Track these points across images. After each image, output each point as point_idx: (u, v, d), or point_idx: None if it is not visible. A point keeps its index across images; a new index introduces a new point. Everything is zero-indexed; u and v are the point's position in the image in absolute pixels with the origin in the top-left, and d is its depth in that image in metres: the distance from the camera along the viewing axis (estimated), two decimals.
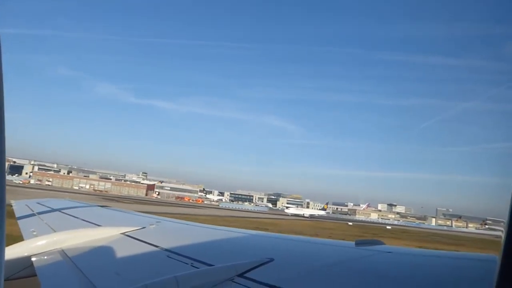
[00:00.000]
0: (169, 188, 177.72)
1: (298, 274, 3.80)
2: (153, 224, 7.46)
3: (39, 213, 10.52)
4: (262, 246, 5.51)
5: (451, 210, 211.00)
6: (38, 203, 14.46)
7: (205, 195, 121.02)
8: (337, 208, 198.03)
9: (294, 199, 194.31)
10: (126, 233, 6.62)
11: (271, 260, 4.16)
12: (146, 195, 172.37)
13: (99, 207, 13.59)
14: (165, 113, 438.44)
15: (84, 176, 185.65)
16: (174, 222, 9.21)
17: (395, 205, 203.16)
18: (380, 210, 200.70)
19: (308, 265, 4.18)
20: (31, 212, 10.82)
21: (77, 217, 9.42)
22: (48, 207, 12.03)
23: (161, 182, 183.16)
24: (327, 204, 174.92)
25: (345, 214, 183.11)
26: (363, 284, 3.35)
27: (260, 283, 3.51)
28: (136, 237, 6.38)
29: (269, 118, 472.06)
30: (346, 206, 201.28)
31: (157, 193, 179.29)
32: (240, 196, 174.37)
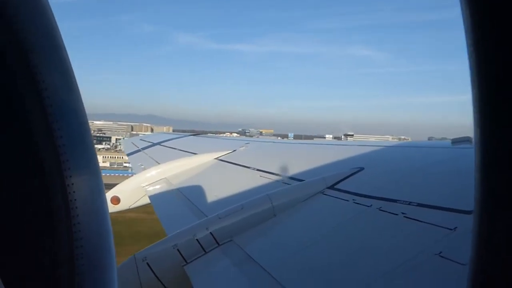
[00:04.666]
0: None
1: (390, 181, 3.61)
2: (242, 146, 8.14)
3: (143, 148, 11.04)
4: (352, 156, 5.22)
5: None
6: (140, 139, 14.68)
7: None
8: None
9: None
10: (219, 158, 7.25)
11: (361, 169, 4.05)
12: None
13: (192, 136, 13.95)
14: (244, 56, 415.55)
15: None
16: (262, 141, 9.83)
17: (352, 135, 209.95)
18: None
19: (401, 171, 3.95)
20: (136, 148, 11.22)
21: (174, 148, 10.02)
22: (149, 141, 12.74)
23: None
24: None
25: None
26: (463, 186, 2.90)
27: (351, 193, 3.44)
28: (229, 160, 6.99)
29: (352, 48, 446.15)
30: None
31: None
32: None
